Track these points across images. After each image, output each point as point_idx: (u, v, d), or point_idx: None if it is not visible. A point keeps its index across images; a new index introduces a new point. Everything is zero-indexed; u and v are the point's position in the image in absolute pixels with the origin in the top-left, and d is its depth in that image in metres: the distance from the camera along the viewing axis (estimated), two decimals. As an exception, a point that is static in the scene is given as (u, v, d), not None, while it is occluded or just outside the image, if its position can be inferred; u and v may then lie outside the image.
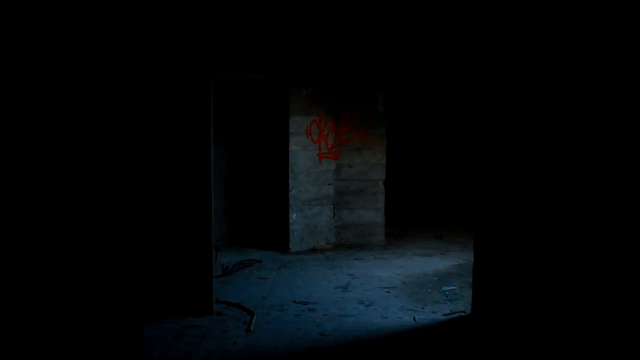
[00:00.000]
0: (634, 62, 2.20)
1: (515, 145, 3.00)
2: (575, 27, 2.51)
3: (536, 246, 2.87)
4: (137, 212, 2.81)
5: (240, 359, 3.10)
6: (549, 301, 2.73)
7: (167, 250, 3.64)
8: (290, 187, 5.65)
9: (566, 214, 2.60)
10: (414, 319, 3.79)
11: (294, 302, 4.12)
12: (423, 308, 4.01)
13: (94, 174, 2.43)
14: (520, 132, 2.94)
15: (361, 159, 5.97)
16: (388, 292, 4.41)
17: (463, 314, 3.86)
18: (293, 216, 5.67)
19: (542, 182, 2.80)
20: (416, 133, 7.40)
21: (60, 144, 2.30)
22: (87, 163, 2.40)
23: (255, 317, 3.74)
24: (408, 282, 4.70)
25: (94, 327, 2.40)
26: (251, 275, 4.90)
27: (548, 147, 2.72)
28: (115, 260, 2.51)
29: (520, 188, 2.99)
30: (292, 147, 5.65)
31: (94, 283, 2.40)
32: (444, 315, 3.85)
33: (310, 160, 5.78)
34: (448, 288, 4.52)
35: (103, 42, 2.42)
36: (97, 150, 2.43)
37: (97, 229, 2.45)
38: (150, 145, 3.46)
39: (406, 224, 6.98)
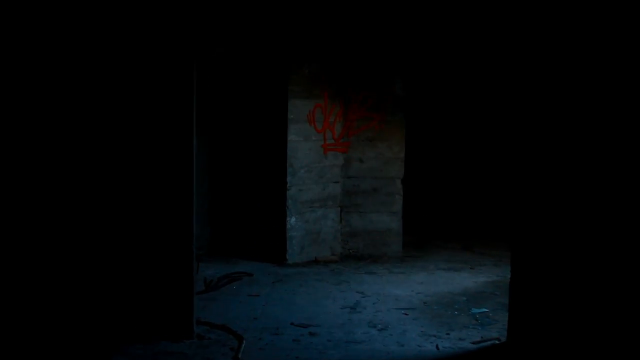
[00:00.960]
0: None
1: (572, 137, 2.98)
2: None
3: (594, 262, 2.83)
4: (102, 215, 2.93)
5: (226, 396, 3.11)
6: (607, 329, 2.70)
7: (138, 261, 3.66)
8: (288, 185, 5.69)
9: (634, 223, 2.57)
10: (437, 347, 3.80)
11: (292, 324, 4.12)
12: (448, 334, 4.02)
13: (45, 169, 2.48)
14: (580, 124, 2.92)
15: (375, 152, 6.01)
16: (406, 314, 4.43)
17: (497, 341, 3.86)
18: (291, 220, 5.73)
19: (606, 184, 2.75)
20: (442, 122, 7.39)
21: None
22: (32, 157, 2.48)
23: (244, 342, 3.75)
24: (430, 302, 4.72)
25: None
26: (240, 292, 4.92)
27: (614, 144, 2.71)
28: (74, 273, 2.44)
29: (577, 190, 2.95)
30: (291, 137, 5.69)
31: (47, 302, 2.34)
32: (473, 343, 3.85)
33: (312, 153, 5.81)
34: (479, 310, 4.52)
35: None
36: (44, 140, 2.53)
37: (48, 234, 2.41)
38: (119, 137, 3.49)
39: (428, 232, 6.98)
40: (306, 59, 5.69)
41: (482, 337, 3.93)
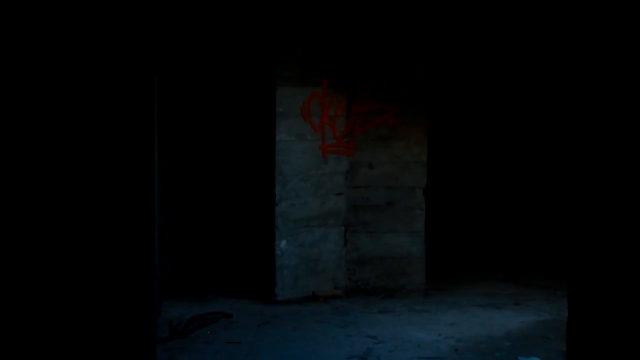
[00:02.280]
0: None
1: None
2: None
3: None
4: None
5: None
6: None
7: (80, 298, 3.58)
8: (277, 198, 5.70)
9: None
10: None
11: (284, 381, 4.20)
12: (488, 392, 4.09)
13: None
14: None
15: (388, 155, 5.99)
16: (432, 365, 4.44)
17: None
18: (281, 244, 5.72)
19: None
20: (474, 117, 7.34)
21: None
22: None
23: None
24: (463, 350, 4.69)
25: None
26: (216, 338, 4.89)
27: None
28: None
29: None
30: (281, 137, 5.69)
31: None
32: (521, 403, 3.89)
33: (308, 157, 5.82)
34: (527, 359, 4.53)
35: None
36: None
37: None
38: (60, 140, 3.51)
39: (459, 257, 6.95)
40: (299, 36, 5.68)
41: (532, 396, 3.95)
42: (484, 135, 7.39)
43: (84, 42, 3.46)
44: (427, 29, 5.94)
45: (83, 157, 3.54)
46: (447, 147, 7.06)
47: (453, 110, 7.24)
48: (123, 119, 3.56)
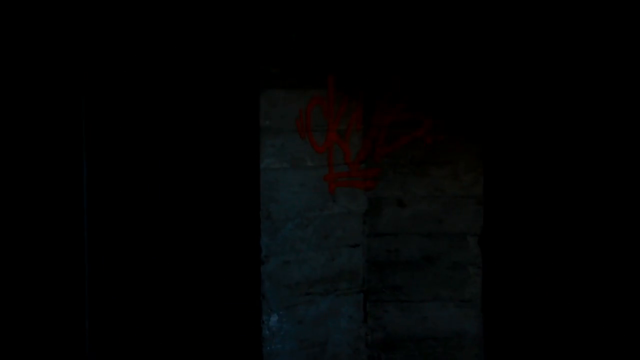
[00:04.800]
0: None
1: None
2: None
3: None
4: None
5: None
6: None
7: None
8: (263, 253, 5.03)
9: None
10: None
11: None
12: None
13: None
14: None
15: (426, 187, 5.36)
16: None
17: None
18: (271, 321, 5.09)
19: None
20: (553, 131, 6.37)
21: None
22: None
23: None
24: None
25: None
26: None
27: None
28: None
29: None
30: (268, 163, 5.04)
31: None
32: None
33: (309, 192, 5.24)
34: None
35: None
36: None
37: None
38: None
39: (534, 335, 6.14)
40: (294, 15, 5.14)
41: None
42: (562, 157, 6.32)
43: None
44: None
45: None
46: (513, 173, 6.16)
47: (519, 122, 6.30)
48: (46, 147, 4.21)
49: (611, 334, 5.91)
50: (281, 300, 5.14)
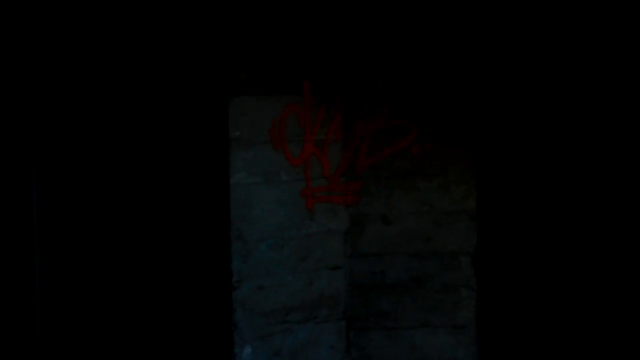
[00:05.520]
0: None
1: None
2: None
3: None
4: None
5: None
6: None
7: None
8: (234, 278, 5.00)
9: None
10: None
11: None
12: None
13: None
14: None
15: (414, 201, 5.41)
16: None
17: None
18: (245, 353, 5.08)
19: None
20: (549, 137, 6.35)
21: None
22: None
23: None
24: None
25: None
26: None
27: None
28: None
29: None
30: (239, 177, 5.05)
31: None
32: None
33: (284, 209, 5.25)
34: None
35: None
36: None
37: None
38: None
39: None
40: (264, 14, 5.09)
41: None
42: (565, 166, 6.22)
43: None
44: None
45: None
46: (507, 184, 6.06)
47: (515, 131, 6.23)
48: None
49: None
50: (255, 330, 5.05)
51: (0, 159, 4.67)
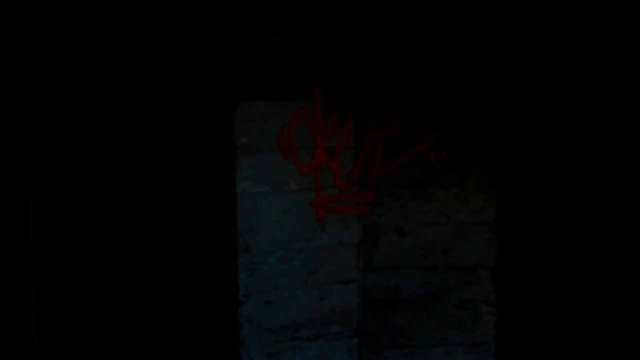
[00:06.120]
0: None
1: None
2: None
3: None
4: None
5: None
6: None
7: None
8: (241, 292, 4.92)
9: None
10: None
11: None
12: None
13: None
14: None
15: (430, 212, 5.29)
16: None
17: None
18: None
19: None
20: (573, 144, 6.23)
21: None
22: None
23: None
24: None
25: None
26: None
27: None
28: None
29: None
30: (245, 187, 4.96)
31: None
32: None
33: (293, 220, 5.16)
34: None
35: None
36: None
37: None
38: None
39: None
40: (274, 16, 5.02)
41: None
42: (591, 175, 6.07)
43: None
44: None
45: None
46: (529, 197, 5.98)
47: (536, 139, 6.10)
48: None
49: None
50: (263, 347, 4.97)
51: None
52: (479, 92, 5.29)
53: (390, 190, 5.14)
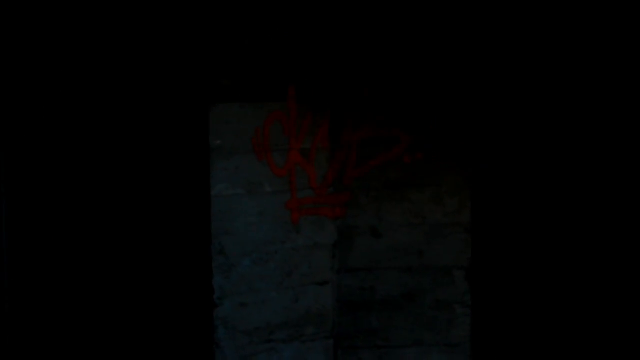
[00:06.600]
0: None
1: None
2: None
3: None
4: None
5: None
6: None
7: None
8: (216, 295, 4.92)
9: None
10: None
11: None
12: None
13: None
14: None
15: (405, 213, 5.28)
16: None
17: None
18: None
19: None
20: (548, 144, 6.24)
21: None
22: None
23: None
24: None
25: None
26: None
27: None
28: None
29: None
30: (220, 189, 5.00)
31: None
32: None
33: (268, 222, 5.16)
34: None
35: None
36: None
37: None
38: None
39: None
40: (246, 17, 5.01)
41: None
42: (565, 176, 6.11)
43: None
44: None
45: None
46: (504, 198, 5.99)
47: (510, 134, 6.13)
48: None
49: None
50: (238, 350, 4.96)
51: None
52: (453, 94, 5.29)
53: (365, 191, 5.13)
